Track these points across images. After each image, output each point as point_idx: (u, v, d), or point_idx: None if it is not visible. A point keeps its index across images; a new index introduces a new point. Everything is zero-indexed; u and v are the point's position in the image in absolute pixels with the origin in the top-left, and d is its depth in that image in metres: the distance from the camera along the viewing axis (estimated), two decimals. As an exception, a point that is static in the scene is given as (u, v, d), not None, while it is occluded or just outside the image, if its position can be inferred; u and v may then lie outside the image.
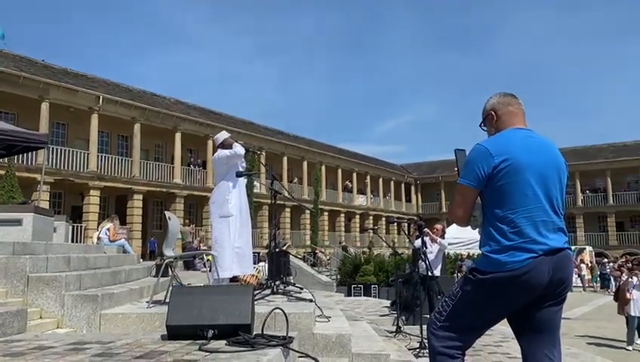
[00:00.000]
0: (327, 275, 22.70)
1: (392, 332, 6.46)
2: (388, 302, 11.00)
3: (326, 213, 36.78)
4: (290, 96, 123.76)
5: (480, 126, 2.71)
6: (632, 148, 42.49)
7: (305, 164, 35.99)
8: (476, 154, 2.44)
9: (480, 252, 2.50)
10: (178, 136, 26.77)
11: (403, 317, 7.58)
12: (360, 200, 41.53)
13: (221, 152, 5.45)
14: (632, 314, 8.97)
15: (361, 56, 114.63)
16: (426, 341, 2.70)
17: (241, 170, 5.35)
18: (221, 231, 5.23)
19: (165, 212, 5.07)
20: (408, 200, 49.07)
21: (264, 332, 2.90)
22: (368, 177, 43.01)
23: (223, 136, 5.59)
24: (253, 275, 5.83)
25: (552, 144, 2.54)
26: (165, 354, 2.60)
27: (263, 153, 30.99)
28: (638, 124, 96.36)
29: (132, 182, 24.31)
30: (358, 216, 40.56)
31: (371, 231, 13.48)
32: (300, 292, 5.39)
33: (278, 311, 3.23)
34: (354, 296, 16.00)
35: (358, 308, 9.71)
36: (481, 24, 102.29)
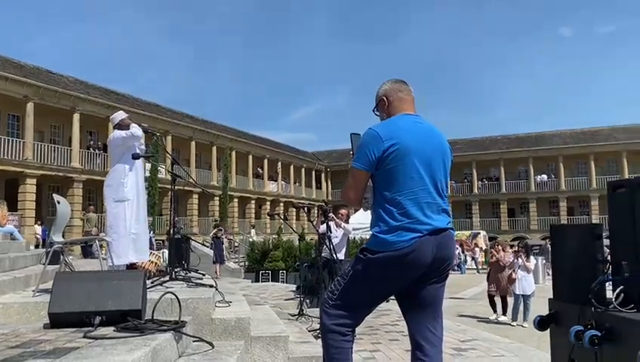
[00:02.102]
0: (235, 262, 22.52)
1: (294, 315, 6.54)
2: (295, 287, 11.11)
3: (236, 200, 36.39)
4: (203, 80, 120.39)
5: (373, 111, 2.79)
6: (523, 139, 45.92)
7: (214, 149, 35.31)
8: (367, 139, 2.51)
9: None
10: (77, 117, 25.19)
11: (307, 301, 7.70)
12: (271, 187, 41.51)
13: (117, 133, 5.20)
14: (517, 292, 9.73)
15: (274, 43, 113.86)
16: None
17: (138, 152, 5.13)
18: (116, 216, 5.00)
19: (54, 195, 4.75)
20: (319, 187, 49.77)
21: (155, 318, 2.82)
22: (280, 164, 43.05)
23: (119, 116, 5.33)
24: (151, 262, 5.65)
25: (438, 130, 2.66)
26: (45, 343, 2.45)
27: (169, 136, 30.05)
28: (530, 117, 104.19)
29: (24, 165, 22.58)
30: (268, 203, 40.54)
31: (277, 216, 13.57)
32: (202, 279, 5.30)
33: (172, 296, 3.15)
34: (262, 281, 15.98)
35: (263, 293, 9.72)
36: (393, 17, 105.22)
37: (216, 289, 4.63)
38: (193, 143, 33.37)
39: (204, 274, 5.76)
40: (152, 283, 4.42)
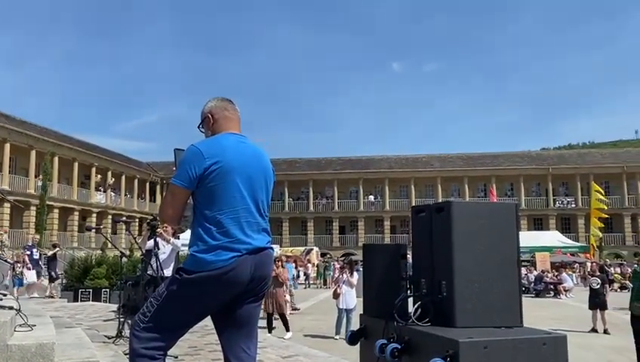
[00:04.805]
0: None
1: (112, 337, 6.10)
2: (116, 306, 10.39)
3: (56, 211, 33.11)
4: (22, 77, 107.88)
5: (198, 127, 2.75)
6: (355, 162, 49.09)
7: (33, 153, 31.84)
8: (189, 155, 2.46)
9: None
10: None
11: (129, 321, 7.24)
12: (98, 198, 38.56)
13: None
14: (340, 306, 10.23)
15: (110, 44, 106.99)
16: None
17: None
18: None
19: None
20: (153, 199, 47.48)
21: None
22: (110, 173, 40.25)
23: None
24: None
25: (262, 151, 2.70)
26: None
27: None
28: (365, 141, 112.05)
29: None
30: (95, 215, 37.58)
31: (97, 229, 12.56)
32: (1, 299, 4.69)
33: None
34: (81, 301, 14.75)
35: (80, 314, 8.94)
36: (240, 32, 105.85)
37: (18, 312, 4.13)
38: (8, 146, 29.72)
39: (5, 295, 5.12)
40: None
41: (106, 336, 6.11)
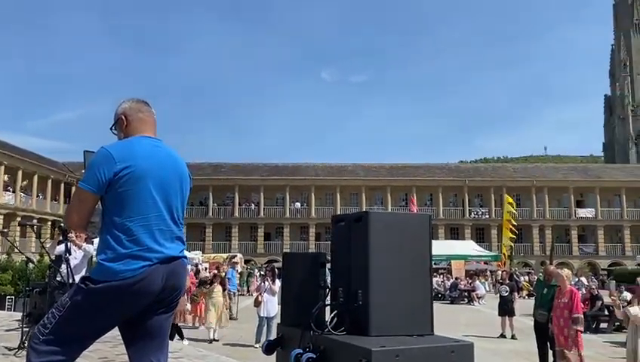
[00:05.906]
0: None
1: (13, 349, 5.69)
2: (21, 315, 9.72)
3: (-43, 211, 30.62)
4: None
5: (111, 129, 2.64)
6: (282, 169, 49.09)
7: None
8: (99, 159, 2.35)
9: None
10: None
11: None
12: (6, 198, 36.06)
13: None
14: (261, 314, 10.13)
15: (26, 33, 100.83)
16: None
17: None
18: None
19: None
20: (68, 201, 45.03)
21: None
22: (20, 172, 37.75)
23: None
24: None
25: (177, 155, 2.62)
26: None
27: None
28: (292, 148, 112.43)
29: None
30: (1, 217, 35.10)
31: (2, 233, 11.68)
32: None
33: None
34: (-19, 310, 13.72)
35: (-21, 324, 8.27)
36: (168, 32, 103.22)
37: None
38: None
39: None
40: None
41: (6, 348, 5.69)
